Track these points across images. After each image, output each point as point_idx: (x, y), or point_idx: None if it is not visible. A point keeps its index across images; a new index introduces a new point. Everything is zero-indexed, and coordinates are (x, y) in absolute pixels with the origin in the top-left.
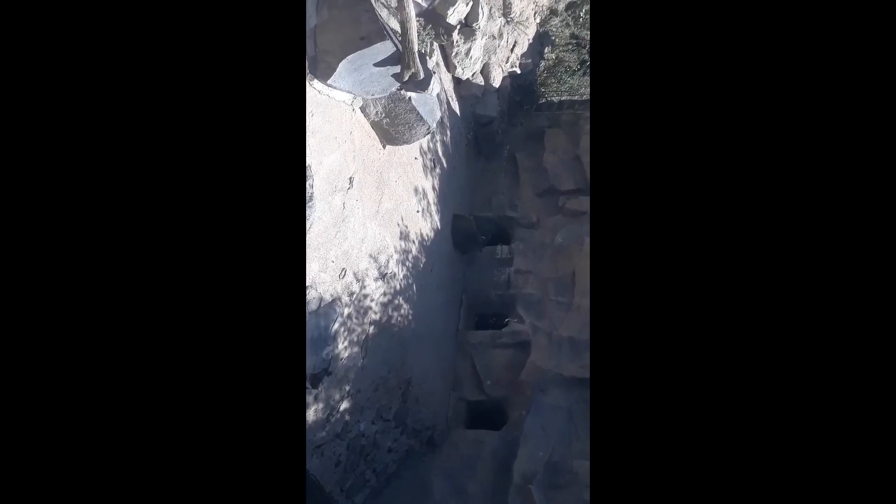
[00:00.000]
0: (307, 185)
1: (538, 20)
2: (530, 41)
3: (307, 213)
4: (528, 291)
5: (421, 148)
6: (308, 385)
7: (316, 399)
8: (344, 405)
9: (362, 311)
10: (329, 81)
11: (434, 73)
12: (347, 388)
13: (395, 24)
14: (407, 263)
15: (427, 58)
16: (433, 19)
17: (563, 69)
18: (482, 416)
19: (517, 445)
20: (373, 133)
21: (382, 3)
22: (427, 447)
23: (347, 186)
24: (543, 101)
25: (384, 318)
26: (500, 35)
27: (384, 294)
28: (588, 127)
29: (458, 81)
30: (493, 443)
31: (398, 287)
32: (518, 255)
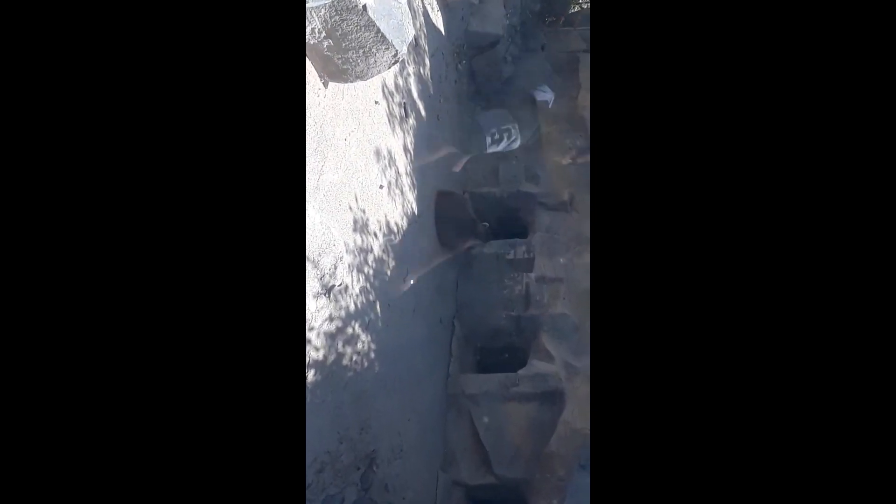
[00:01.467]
0: None
1: None
2: None
3: None
4: (559, 311)
5: (384, 87)
6: None
7: None
8: None
9: None
10: None
11: None
12: None
13: None
14: (365, 270)
15: None
16: None
17: None
18: None
19: None
20: (307, 63)
21: None
22: None
23: None
24: (576, 9)
25: (331, 358)
26: None
27: (330, 319)
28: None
29: None
30: None
31: (352, 308)
32: (542, 255)
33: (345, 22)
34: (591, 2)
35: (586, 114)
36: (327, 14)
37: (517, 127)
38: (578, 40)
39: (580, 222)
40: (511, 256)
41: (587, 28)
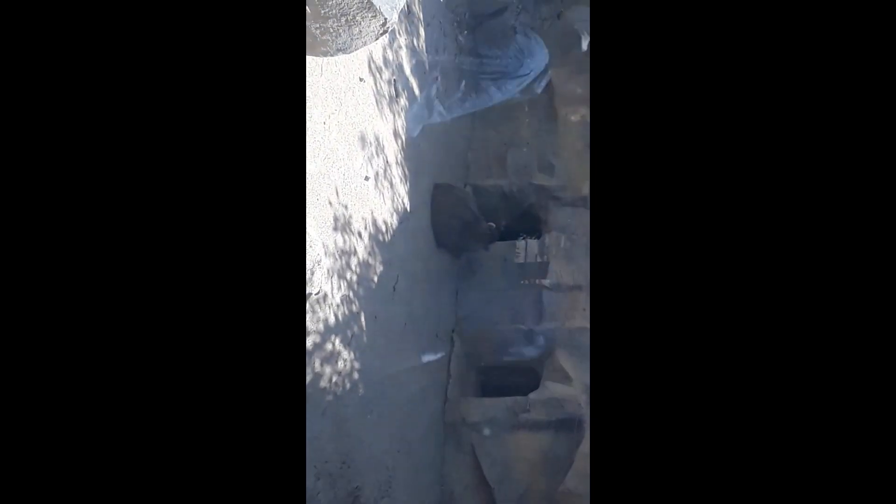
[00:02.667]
0: None
1: None
2: None
3: None
4: (578, 325)
5: (371, 61)
6: None
7: None
8: None
9: None
10: None
11: None
12: None
13: None
14: (348, 276)
15: None
16: None
17: None
18: None
19: None
20: None
21: None
22: None
23: None
24: None
25: (308, 379)
26: None
27: (307, 333)
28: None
29: None
30: None
31: (332, 320)
32: (558, 259)
33: None
34: None
35: None
36: None
37: None
38: None
39: None
40: (521, 260)
41: None
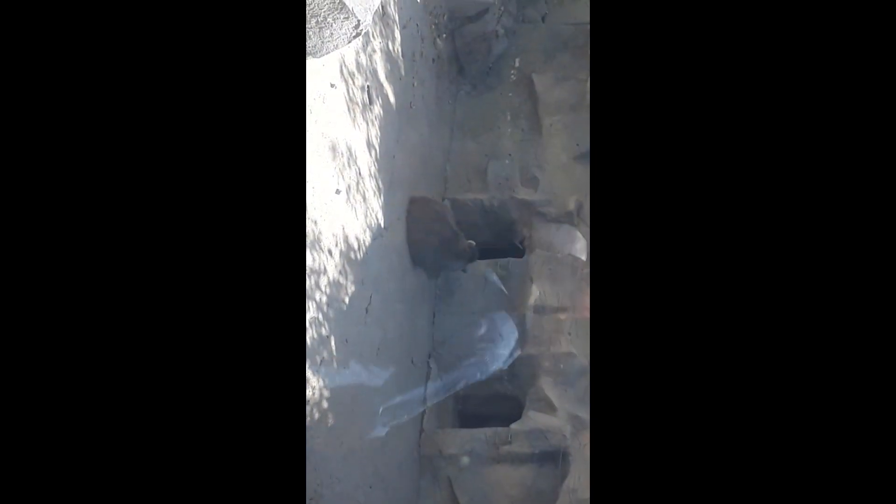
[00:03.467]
0: None
1: None
2: None
3: None
4: (563, 350)
5: (343, 66)
6: None
7: None
8: None
9: None
10: None
11: None
12: None
13: None
14: (317, 297)
15: None
16: None
17: None
18: None
19: None
20: None
21: None
22: None
23: None
24: None
25: None
26: None
27: None
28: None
29: None
30: None
31: None
32: (541, 279)
33: None
34: None
35: None
36: None
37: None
38: (586, 10)
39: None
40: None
41: None
